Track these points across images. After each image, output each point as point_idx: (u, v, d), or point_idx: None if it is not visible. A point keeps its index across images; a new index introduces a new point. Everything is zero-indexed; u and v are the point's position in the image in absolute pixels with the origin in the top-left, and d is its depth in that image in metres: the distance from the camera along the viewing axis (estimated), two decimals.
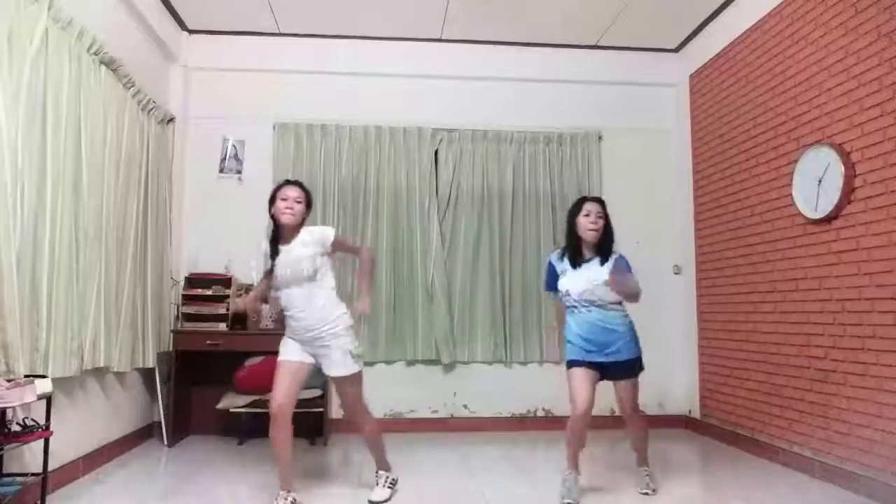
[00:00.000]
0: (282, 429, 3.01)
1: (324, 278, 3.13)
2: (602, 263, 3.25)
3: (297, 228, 3.11)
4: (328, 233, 3.15)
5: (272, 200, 3.11)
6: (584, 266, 3.28)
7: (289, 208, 3.05)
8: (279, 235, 3.13)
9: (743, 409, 4.45)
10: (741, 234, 4.51)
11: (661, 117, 5.50)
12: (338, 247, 3.20)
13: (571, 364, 3.28)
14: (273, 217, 3.11)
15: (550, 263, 3.41)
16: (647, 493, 3.36)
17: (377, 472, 3.33)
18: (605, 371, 3.28)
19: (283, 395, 3.01)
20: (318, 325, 3.05)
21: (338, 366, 3.07)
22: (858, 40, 3.47)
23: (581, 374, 3.23)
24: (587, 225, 3.25)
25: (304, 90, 5.23)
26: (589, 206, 3.29)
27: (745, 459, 4.17)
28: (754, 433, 4.31)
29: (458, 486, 3.56)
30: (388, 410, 5.06)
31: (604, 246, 3.29)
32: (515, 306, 5.18)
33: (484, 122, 5.32)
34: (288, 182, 3.19)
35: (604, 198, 5.19)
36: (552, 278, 3.38)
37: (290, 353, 3.10)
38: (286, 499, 3.03)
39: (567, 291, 3.28)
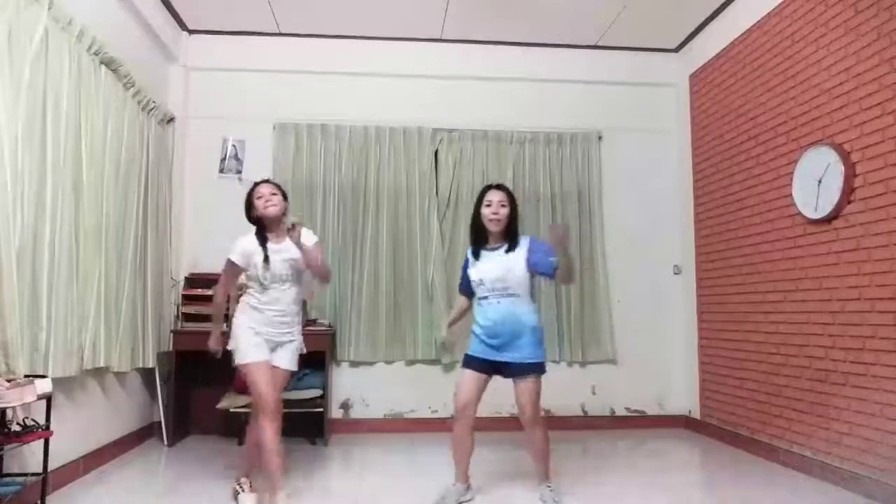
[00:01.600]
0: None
1: (301, 279, 3.19)
2: (508, 251, 3.14)
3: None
4: (312, 238, 3.15)
5: (249, 205, 3.14)
6: (492, 254, 3.18)
7: (269, 201, 3.07)
8: (266, 235, 3.12)
9: (743, 409, 4.45)
10: (741, 234, 4.51)
11: (661, 117, 5.50)
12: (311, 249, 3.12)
13: (467, 361, 3.18)
14: (257, 218, 3.12)
15: (466, 258, 3.31)
16: None
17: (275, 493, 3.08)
18: (502, 369, 3.14)
19: (271, 395, 3.01)
20: (289, 322, 3.13)
21: (291, 361, 3.17)
22: (858, 40, 3.47)
23: (469, 376, 3.14)
24: (489, 215, 3.15)
25: (304, 90, 5.23)
26: (491, 196, 3.18)
27: (744, 459, 4.17)
28: (754, 433, 4.31)
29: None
30: (388, 410, 5.07)
31: (509, 233, 3.17)
32: None
33: (484, 122, 5.32)
34: (257, 182, 3.21)
35: (604, 197, 5.35)
36: (464, 274, 3.30)
37: (260, 352, 3.04)
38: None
39: (480, 280, 3.14)
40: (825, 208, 3.63)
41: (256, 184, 3.22)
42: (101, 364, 3.68)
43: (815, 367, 3.74)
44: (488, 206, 3.17)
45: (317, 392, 4.54)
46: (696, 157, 5.20)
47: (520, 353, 3.09)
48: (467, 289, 3.32)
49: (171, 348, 4.58)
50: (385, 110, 5.25)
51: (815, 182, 3.70)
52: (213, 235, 4.97)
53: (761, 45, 4.31)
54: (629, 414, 5.25)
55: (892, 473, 3.16)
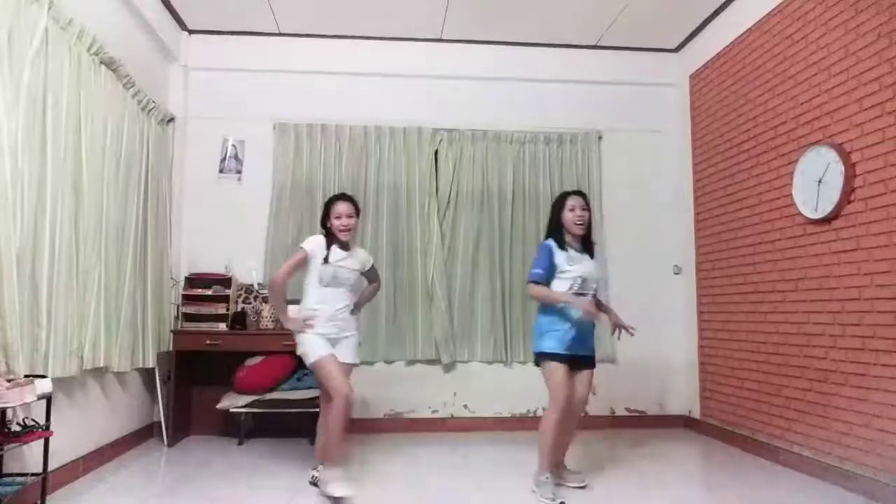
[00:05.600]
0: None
1: (353, 288, 3.58)
2: (591, 257, 3.46)
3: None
4: (370, 260, 3.70)
5: (326, 214, 3.47)
6: (581, 256, 3.41)
7: (346, 226, 3.42)
8: (332, 243, 3.45)
9: (743, 409, 4.45)
10: (741, 234, 4.51)
11: (661, 117, 5.50)
12: (369, 271, 3.70)
13: (556, 357, 3.31)
14: (329, 230, 3.46)
15: (549, 248, 3.39)
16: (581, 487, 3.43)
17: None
18: (577, 363, 3.39)
19: (345, 382, 3.29)
20: (344, 320, 3.46)
21: (352, 356, 3.50)
22: (858, 40, 3.47)
23: (565, 371, 3.32)
24: (574, 219, 3.37)
25: (304, 90, 5.23)
26: (573, 201, 3.40)
27: (745, 459, 4.17)
28: (754, 433, 4.31)
29: (458, 486, 3.56)
30: (388, 410, 5.07)
31: (588, 240, 3.46)
32: (515, 306, 5.18)
33: (484, 122, 5.32)
34: (339, 197, 3.51)
35: (604, 197, 5.35)
36: (549, 262, 3.35)
37: (326, 347, 3.36)
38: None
39: (584, 280, 3.34)
40: (825, 208, 3.63)
41: (336, 198, 3.52)
42: (101, 364, 3.68)
43: (815, 367, 3.74)
44: (572, 210, 3.38)
45: (317, 392, 4.53)
46: (696, 157, 5.20)
47: (592, 347, 3.46)
48: (548, 280, 3.38)
49: (171, 348, 4.58)
50: (385, 110, 5.25)
51: (815, 182, 3.70)
52: (213, 235, 5.00)
53: (761, 45, 4.31)
54: (629, 414, 5.25)
55: (892, 473, 3.16)
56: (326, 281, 3.38)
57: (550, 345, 3.31)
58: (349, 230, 3.43)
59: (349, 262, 3.46)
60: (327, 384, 3.28)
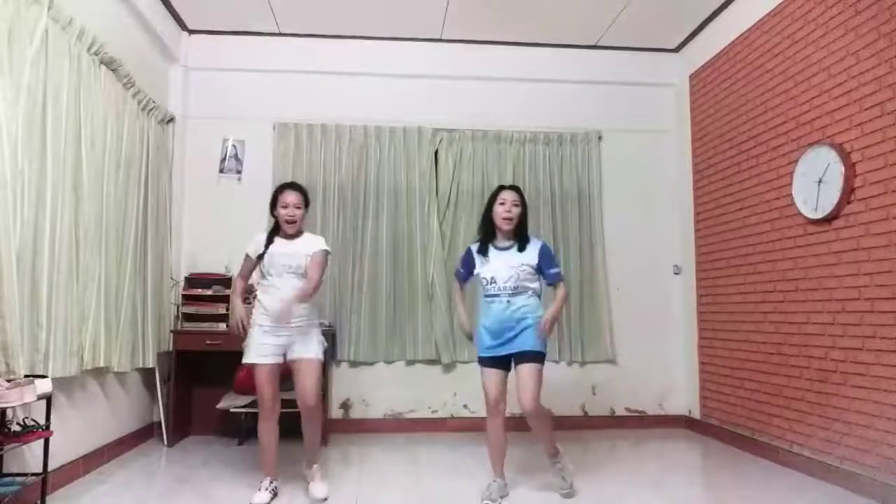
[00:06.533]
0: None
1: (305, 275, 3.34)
2: (520, 250, 3.26)
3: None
4: (319, 244, 3.36)
5: (274, 203, 3.35)
6: (503, 253, 3.29)
7: (290, 216, 3.30)
8: (279, 229, 3.37)
9: (743, 409, 4.45)
10: (741, 234, 4.51)
11: (661, 117, 5.50)
12: (313, 258, 3.31)
13: (482, 361, 3.30)
14: (275, 218, 3.36)
15: (469, 251, 3.41)
16: (566, 493, 3.30)
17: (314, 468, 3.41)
18: (511, 359, 3.27)
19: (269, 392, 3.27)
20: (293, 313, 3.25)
21: (310, 350, 3.29)
22: (858, 40, 3.47)
23: (492, 374, 3.26)
24: (502, 213, 3.26)
25: (304, 90, 5.23)
26: (505, 195, 3.28)
27: (745, 459, 4.17)
28: (754, 433, 4.31)
29: (458, 486, 3.56)
30: (388, 410, 5.07)
31: (520, 233, 3.30)
32: None
33: (484, 122, 5.32)
34: (287, 186, 3.40)
35: (604, 197, 5.35)
36: (467, 266, 3.37)
37: (260, 354, 3.25)
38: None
39: (492, 279, 3.23)
40: (825, 208, 3.63)
41: (285, 186, 3.40)
42: (101, 364, 3.68)
43: (815, 367, 3.74)
44: (502, 204, 3.27)
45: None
46: (695, 157, 5.20)
47: (527, 343, 3.20)
48: (465, 279, 3.44)
49: (171, 348, 4.58)
50: (385, 110, 5.25)
51: (815, 182, 3.70)
52: (213, 235, 5.00)
53: (761, 45, 4.31)
54: (629, 414, 5.25)
55: (892, 473, 3.16)
56: (267, 270, 3.27)
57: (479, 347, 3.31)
58: (294, 222, 3.30)
59: (293, 249, 3.30)
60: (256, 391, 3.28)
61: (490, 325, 3.25)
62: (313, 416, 3.36)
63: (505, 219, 3.25)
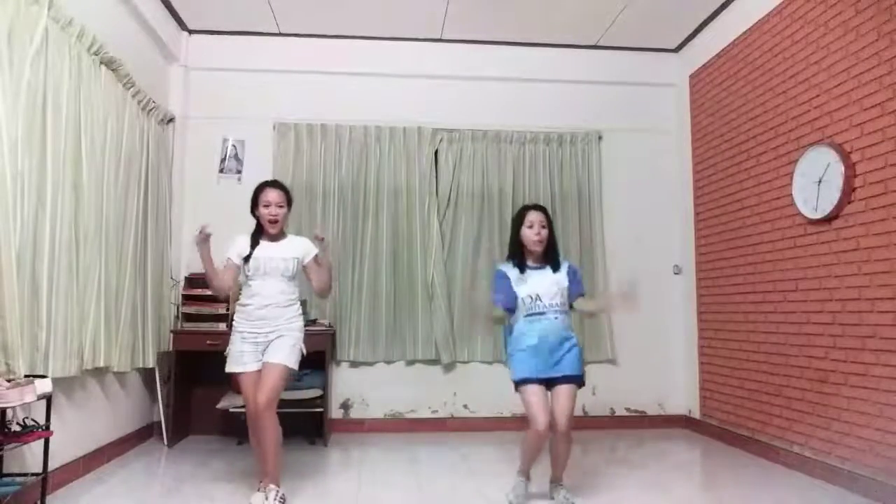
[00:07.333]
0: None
1: (293, 281, 3.28)
2: (554, 271, 3.22)
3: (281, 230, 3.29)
4: (311, 247, 3.31)
5: (255, 202, 3.25)
6: (539, 271, 3.22)
7: (273, 215, 3.19)
8: (262, 231, 3.26)
9: (743, 409, 4.45)
10: (741, 234, 4.51)
11: (661, 117, 5.50)
12: (314, 261, 3.32)
13: (526, 381, 3.13)
14: (256, 218, 3.26)
15: (502, 273, 3.26)
16: None
17: (269, 486, 3.13)
18: (551, 383, 3.17)
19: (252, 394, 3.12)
20: (277, 317, 3.16)
21: (284, 356, 3.13)
22: (858, 40, 3.47)
23: (537, 392, 3.12)
24: (532, 237, 3.19)
25: (304, 90, 5.23)
26: (532, 217, 3.22)
27: (745, 459, 4.17)
28: (754, 433, 4.31)
29: (458, 486, 3.56)
30: (388, 410, 5.07)
31: (549, 255, 3.25)
32: None
33: (484, 122, 5.32)
34: (267, 184, 3.29)
35: (604, 197, 5.35)
36: (506, 289, 3.20)
37: (239, 362, 3.16)
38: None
39: (537, 296, 3.15)
40: (825, 208, 3.63)
41: (266, 184, 3.29)
42: (101, 364, 3.68)
43: (815, 367, 3.74)
44: (530, 227, 3.21)
45: (317, 392, 4.54)
46: (696, 157, 5.20)
47: (574, 368, 3.15)
48: (511, 304, 3.22)
49: (171, 348, 4.58)
50: (385, 110, 5.25)
51: (815, 182, 3.70)
52: (213, 235, 4.98)
53: (761, 45, 4.31)
54: (629, 414, 5.25)
55: (892, 473, 3.16)
56: (252, 272, 3.16)
57: (519, 368, 3.17)
58: (277, 221, 3.18)
59: (279, 252, 3.20)
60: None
61: (538, 345, 3.12)
62: (264, 424, 3.08)
63: (536, 241, 3.20)
